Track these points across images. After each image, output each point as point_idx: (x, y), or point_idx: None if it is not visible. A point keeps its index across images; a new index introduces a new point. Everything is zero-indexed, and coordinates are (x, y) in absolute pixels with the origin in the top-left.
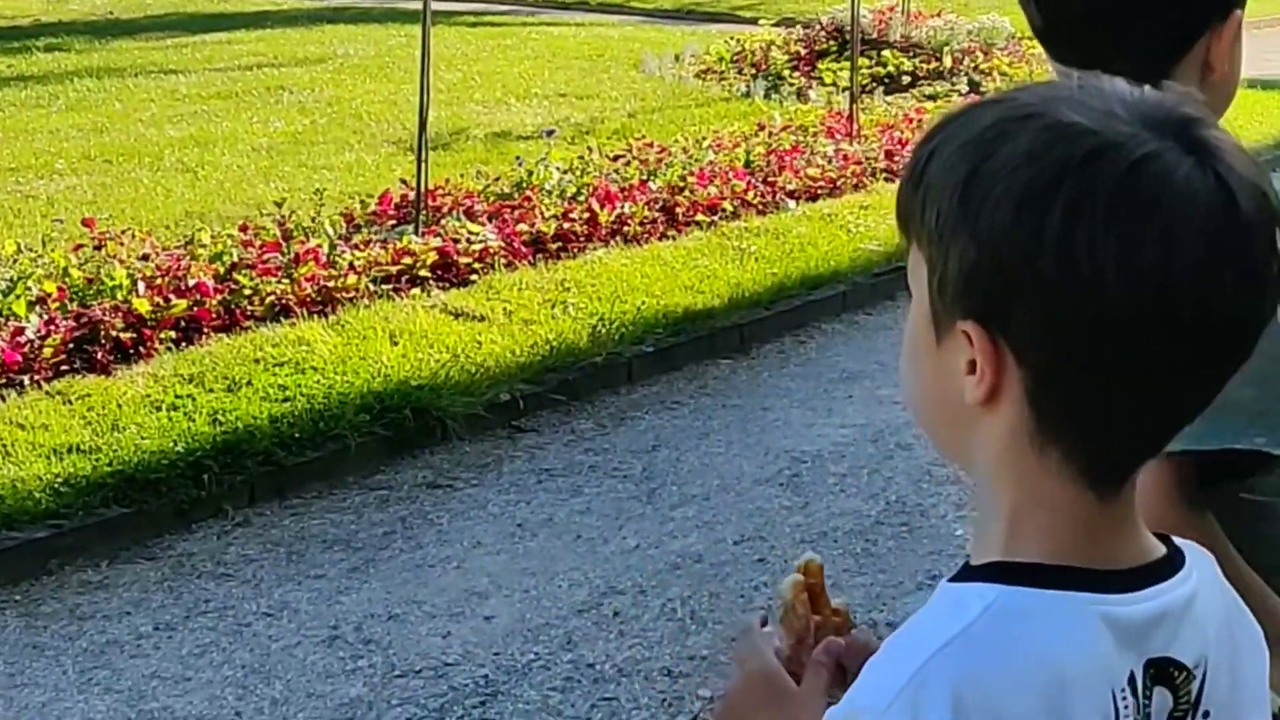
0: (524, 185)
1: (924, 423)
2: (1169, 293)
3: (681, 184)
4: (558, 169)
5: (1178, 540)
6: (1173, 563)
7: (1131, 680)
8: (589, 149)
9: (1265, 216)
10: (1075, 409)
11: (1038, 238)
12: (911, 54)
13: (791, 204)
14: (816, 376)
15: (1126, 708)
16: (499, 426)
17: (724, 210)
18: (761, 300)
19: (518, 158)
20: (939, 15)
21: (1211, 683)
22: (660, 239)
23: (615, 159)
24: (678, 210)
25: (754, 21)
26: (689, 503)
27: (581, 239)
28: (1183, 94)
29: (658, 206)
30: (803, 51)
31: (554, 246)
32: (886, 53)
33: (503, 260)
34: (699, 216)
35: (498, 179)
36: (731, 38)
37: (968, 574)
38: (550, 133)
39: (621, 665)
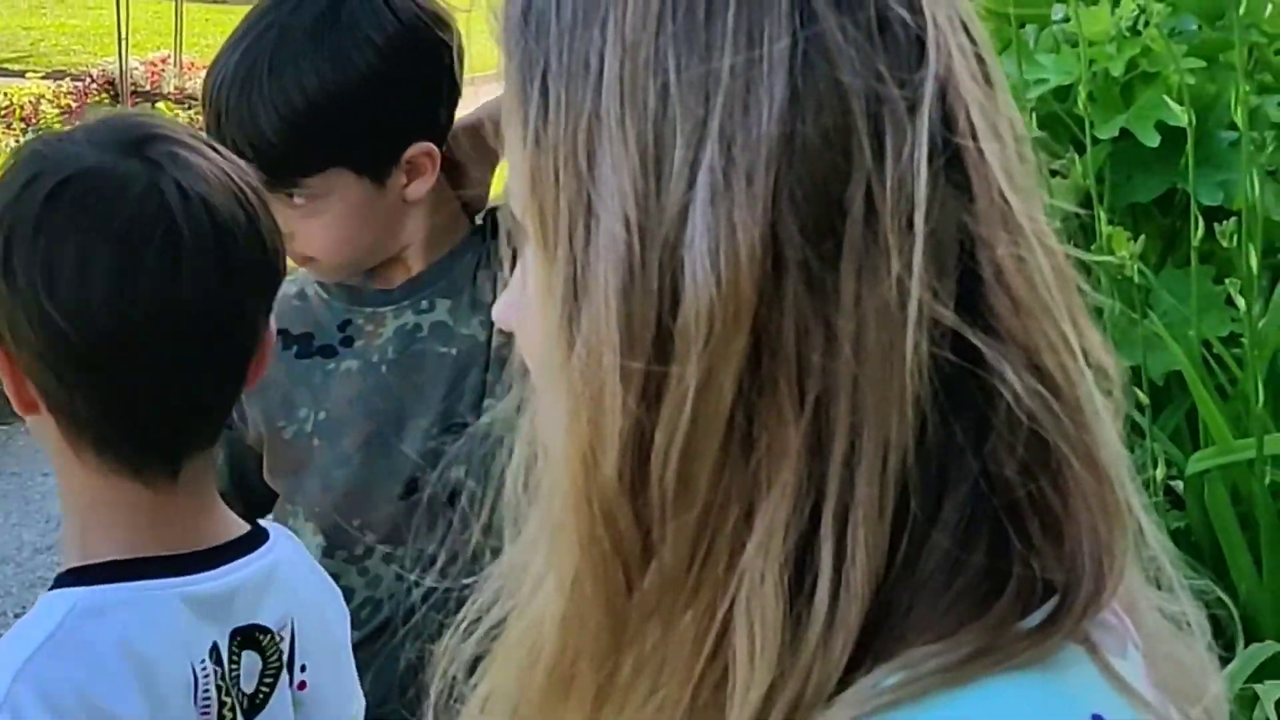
0: None
1: None
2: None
3: None
4: None
5: (262, 521)
6: (255, 539)
7: (214, 650)
8: None
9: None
10: (94, 414)
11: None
12: (187, 105)
13: None
14: None
15: (207, 675)
16: None
17: None
18: None
19: None
20: None
21: (302, 638)
22: None
23: None
24: None
25: (22, 75)
26: None
27: None
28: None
29: None
30: (74, 105)
31: None
32: (161, 105)
33: None
34: None
35: None
36: None
37: (59, 581)
38: None
39: None
